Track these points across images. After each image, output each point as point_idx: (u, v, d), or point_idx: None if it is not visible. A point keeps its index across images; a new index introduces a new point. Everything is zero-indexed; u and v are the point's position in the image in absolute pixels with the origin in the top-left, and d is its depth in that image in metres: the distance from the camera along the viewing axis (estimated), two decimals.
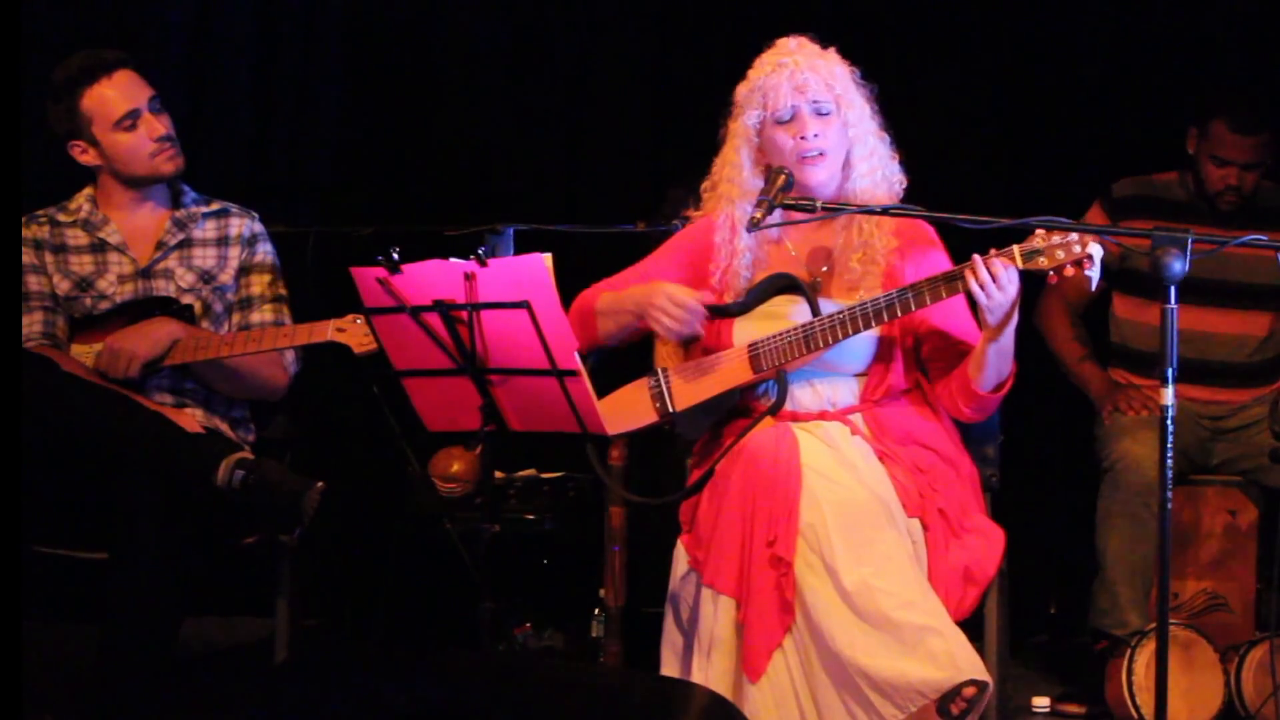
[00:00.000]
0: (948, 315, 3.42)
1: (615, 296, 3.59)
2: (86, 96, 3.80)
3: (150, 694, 3.43)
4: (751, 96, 3.47)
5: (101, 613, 3.44)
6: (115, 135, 3.82)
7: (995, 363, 3.34)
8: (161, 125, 3.84)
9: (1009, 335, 3.30)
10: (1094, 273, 3.19)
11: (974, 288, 3.22)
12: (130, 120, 3.82)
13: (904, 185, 3.51)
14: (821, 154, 3.42)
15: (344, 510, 4.15)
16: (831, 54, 3.48)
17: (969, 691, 3.10)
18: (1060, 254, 3.18)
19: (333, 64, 5.25)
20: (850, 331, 3.34)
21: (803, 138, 3.41)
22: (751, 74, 3.49)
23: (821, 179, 3.43)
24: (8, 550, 2.93)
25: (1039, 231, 3.20)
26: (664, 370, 3.56)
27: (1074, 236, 3.17)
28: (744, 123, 3.49)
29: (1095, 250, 3.17)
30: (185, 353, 3.74)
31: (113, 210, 3.92)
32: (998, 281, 3.20)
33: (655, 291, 3.47)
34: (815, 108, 3.43)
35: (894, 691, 3.08)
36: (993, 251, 3.23)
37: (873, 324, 3.33)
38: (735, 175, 3.52)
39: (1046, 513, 5.10)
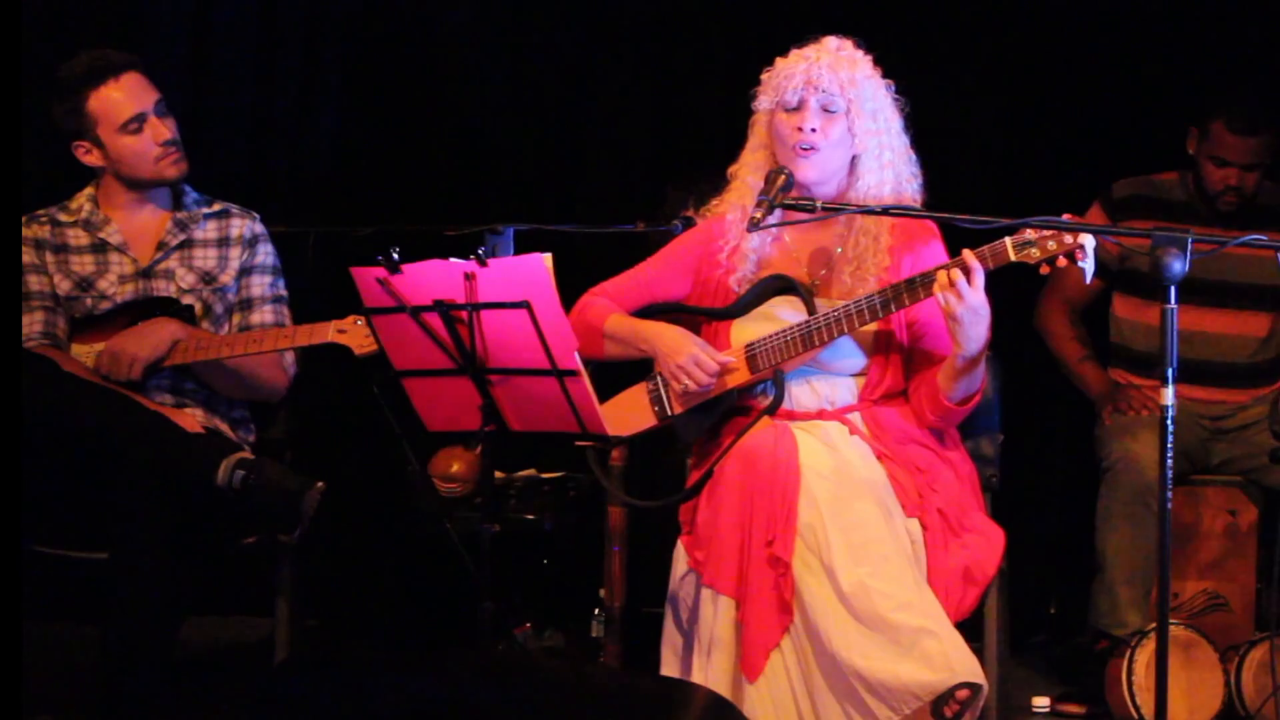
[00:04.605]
0: (935, 316, 3.41)
1: (627, 326, 3.57)
2: (93, 98, 3.80)
3: (150, 694, 3.43)
4: (770, 81, 3.48)
5: (101, 613, 3.44)
6: (121, 138, 3.82)
7: (964, 377, 3.33)
8: (167, 129, 3.85)
9: (979, 352, 3.29)
10: (1086, 264, 3.19)
11: (935, 293, 3.22)
12: (136, 124, 3.82)
13: (920, 203, 3.50)
14: (814, 149, 3.41)
15: (344, 510, 4.15)
16: (864, 61, 3.47)
17: (962, 694, 3.10)
18: (1051, 244, 3.19)
19: (333, 64, 5.25)
20: (845, 329, 3.35)
21: (799, 128, 3.41)
22: (778, 60, 3.49)
23: (811, 176, 3.42)
24: (8, 550, 2.94)
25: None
26: (662, 375, 3.55)
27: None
28: (759, 107, 3.49)
29: (1087, 240, 3.17)
30: (186, 353, 3.74)
31: (114, 210, 3.92)
32: (955, 286, 3.20)
33: (680, 349, 3.45)
34: (823, 103, 3.42)
35: (888, 693, 3.09)
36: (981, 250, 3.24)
37: (867, 320, 3.33)
38: (749, 170, 3.53)
39: (1046, 513, 5.10)
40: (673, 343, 3.48)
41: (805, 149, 3.40)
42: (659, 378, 3.56)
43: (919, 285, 3.29)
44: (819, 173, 3.43)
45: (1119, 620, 4.18)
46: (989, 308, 3.25)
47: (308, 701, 2.95)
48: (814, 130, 3.40)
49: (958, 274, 3.21)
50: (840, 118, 3.43)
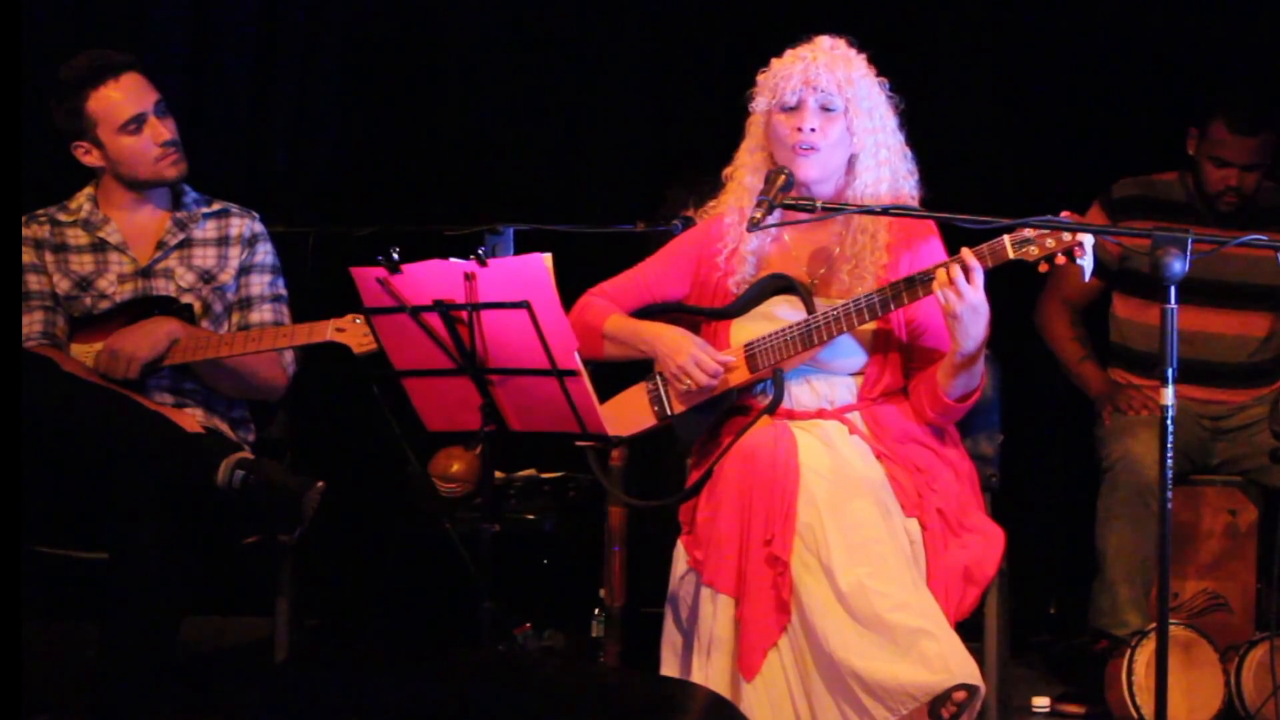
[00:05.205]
0: (934, 314, 3.41)
1: (627, 326, 3.57)
2: (93, 98, 3.80)
3: (150, 694, 3.43)
4: (766, 82, 3.47)
5: (101, 613, 3.44)
6: (120, 139, 3.82)
7: (962, 374, 3.34)
8: (166, 130, 3.84)
9: (977, 350, 3.29)
10: (1085, 262, 3.18)
11: (935, 291, 3.22)
12: (136, 124, 3.82)
13: (916, 201, 3.50)
14: (814, 148, 3.41)
15: (344, 510, 4.15)
16: (859, 60, 3.46)
17: (959, 695, 3.10)
18: (1050, 242, 3.19)
19: (333, 64, 5.25)
20: (844, 328, 3.34)
21: (799, 129, 3.41)
22: (774, 61, 3.48)
23: (811, 175, 3.42)
24: (8, 550, 2.94)
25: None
26: (662, 374, 3.56)
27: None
28: (756, 109, 3.49)
29: (1086, 238, 3.17)
30: (185, 352, 3.74)
31: (113, 210, 3.92)
32: (955, 285, 3.20)
33: (681, 349, 3.45)
34: (822, 102, 3.42)
35: (885, 693, 3.08)
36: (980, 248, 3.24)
37: (866, 318, 3.33)
38: (747, 171, 3.52)
39: (1046, 513, 5.10)
40: (673, 343, 3.48)
41: (805, 148, 3.40)
42: (659, 377, 3.56)
43: (918, 283, 3.29)
44: (820, 171, 3.42)
45: (1119, 620, 4.18)
46: (988, 305, 3.25)
47: (308, 701, 2.94)
48: (813, 130, 3.40)
49: (957, 272, 3.21)
50: (839, 117, 3.43)
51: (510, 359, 3.14)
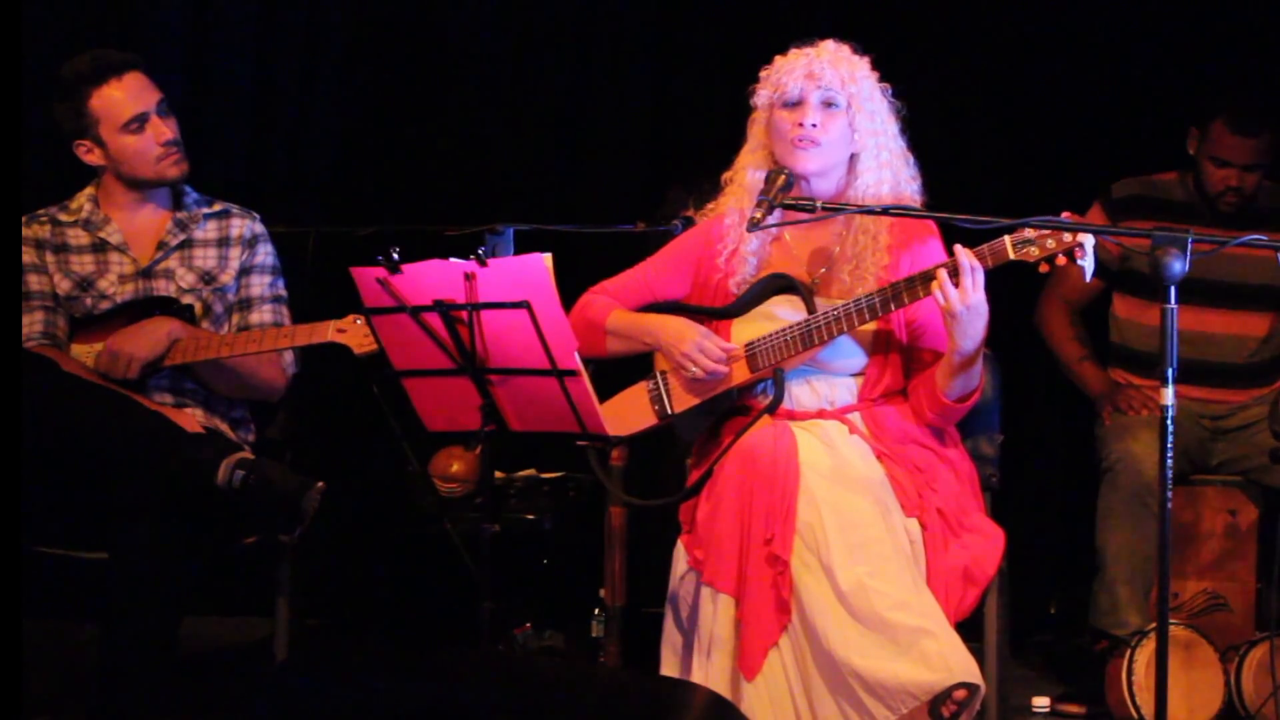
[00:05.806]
0: (934, 314, 3.41)
1: (629, 320, 3.57)
2: (95, 97, 3.80)
3: (150, 694, 3.43)
4: (769, 78, 3.47)
5: (101, 613, 3.44)
6: (122, 138, 3.82)
7: (960, 374, 3.33)
8: (168, 129, 3.85)
9: (975, 350, 3.29)
10: (1086, 262, 3.18)
11: (934, 291, 3.22)
12: (138, 123, 3.82)
13: (919, 204, 3.49)
14: (814, 142, 3.41)
15: (344, 510, 4.15)
16: (862, 63, 3.46)
17: (960, 694, 3.10)
18: (1051, 243, 3.19)
19: (333, 64, 5.25)
20: (845, 328, 3.34)
21: (800, 123, 3.40)
22: (777, 58, 3.48)
23: (810, 168, 3.42)
24: (8, 550, 2.94)
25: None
26: (662, 373, 3.56)
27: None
28: (757, 104, 3.49)
29: (1086, 238, 3.17)
30: (185, 353, 3.74)
31: (114, 210, 3.92)
32: (960, 283, 3.20)
33: (684, 337, 3.45)
34: (825, 98, 3.41)
35: (886, 692, 3.09)
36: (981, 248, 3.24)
37: (866, 319, 3.33)
38: (747, 171, 3.52)
39: (1046, 513, 5.10)
40: (677, 332, 3.48)
41: (805, 141, 3.39)
42: (659, 376, 3.56)
43: (918, 284, 3.29)
44: (819, 164, 3.42)
45: (1119, 620, 4.18)
46: (988, 305, 3.25)
47: (308, 701, 2.94)
48: (814, 125, 3.40)
49: (964, 267, 3.20)
50: (841, 114, 3.42)
51: (510, 359, 3.14)
